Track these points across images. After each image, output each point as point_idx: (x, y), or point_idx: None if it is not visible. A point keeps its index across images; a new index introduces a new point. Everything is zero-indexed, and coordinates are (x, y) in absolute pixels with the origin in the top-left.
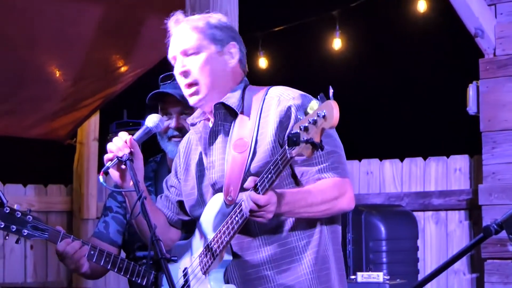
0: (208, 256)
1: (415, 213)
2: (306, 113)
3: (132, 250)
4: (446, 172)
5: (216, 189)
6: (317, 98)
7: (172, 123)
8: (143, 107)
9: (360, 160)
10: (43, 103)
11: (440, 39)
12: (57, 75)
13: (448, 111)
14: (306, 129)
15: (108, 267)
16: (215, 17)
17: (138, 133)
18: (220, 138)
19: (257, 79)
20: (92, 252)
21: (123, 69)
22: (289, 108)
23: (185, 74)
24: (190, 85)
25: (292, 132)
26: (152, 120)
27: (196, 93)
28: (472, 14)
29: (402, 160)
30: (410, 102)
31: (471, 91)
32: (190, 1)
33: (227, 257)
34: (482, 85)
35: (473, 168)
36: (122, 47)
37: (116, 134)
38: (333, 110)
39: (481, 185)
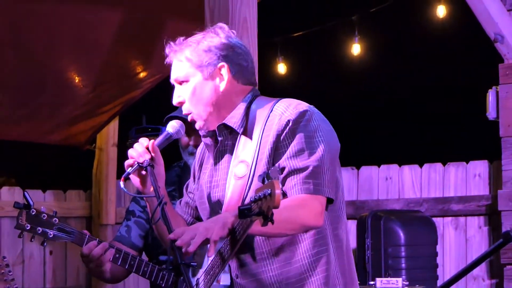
0: (208, 278)
1: (434, 219)
2: (263, 181)
3: (155, 254)
4: (466, 178)
5: (221, 208)
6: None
7: (191, 141)
8: (163, 113)
9: (379, 166)
10: (62, 109)
11: (459, 44)
12: (77, 80)
13: (467, 117)
14: (258, 201)
15: (133, 270)
16: (208, 38)
17: (158, 139)
18: (226, 158)
19: (276, 84)
20: (117, 255)
21: (142, 74)
22: (285, 125)
23: (181, 104)
24: (187, 114)
25: (245, 204)
26: (173, 126)
27: (194, 120)
28: (492, 19)
29: (421, 166)
30: (429, 108)
31: (490, 96)
32: (209, 7)
33: (225, 281)
34: (502, 90)
35: (493, 173)
36: (142, 52)
37: (136, 140)
38: (275, 191)
39: (501, 191)
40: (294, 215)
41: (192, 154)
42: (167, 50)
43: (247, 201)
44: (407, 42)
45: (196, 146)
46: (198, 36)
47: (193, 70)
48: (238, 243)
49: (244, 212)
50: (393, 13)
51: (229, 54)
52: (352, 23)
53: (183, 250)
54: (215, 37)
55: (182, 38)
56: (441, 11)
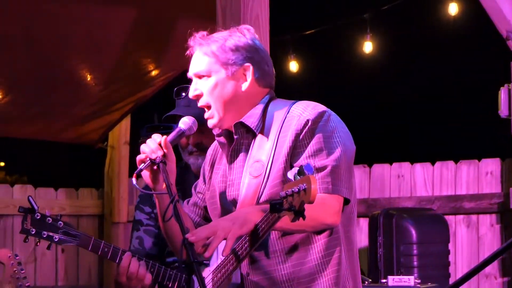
0: (219, 276)
1: (446, 217)
2: (294, 177)
3: (162, 255)
4: (478, 176)
5: (235, 207)
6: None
7: (190, 140)
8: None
9: (391, 164)
10: (74, 107)
11: (471, 42)
12: (89, 79)
13: (479, 115)
14: (289, 196)
15: None
16: (235, 37)
17: (171, 135)
18: (241, 157)
19: (288, 82)
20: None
21: (154, 72)
22: (304, 125)
23: (197, 97)
24: (204, 107)
25: (276, 199)
26: (185, 122)
27: (211, 116)
28: (504, 16)
29: (433, 164)
30: (441, 105)
31: (502, 94)
32: (221, 5)
33: (236, 279)
34: None
35: (505, 171)
36: (153, 50)
37: (148, 137)
38: (311, 185)
39: None
40: (314, 213)
41: (192, 153)
42: (191, 42)
43: (270, 194)
44: (419, 40)
45: (194, 144)
46: (224, 33)
47: (218, 67)
48: (259, 240)
49: (276, 206)
50: (405, 11)
51: (254, 56)
52: (364, 21)
53: (199, 251)
54: (242, 37)
55: (205, 32)
56: (453, 8)
